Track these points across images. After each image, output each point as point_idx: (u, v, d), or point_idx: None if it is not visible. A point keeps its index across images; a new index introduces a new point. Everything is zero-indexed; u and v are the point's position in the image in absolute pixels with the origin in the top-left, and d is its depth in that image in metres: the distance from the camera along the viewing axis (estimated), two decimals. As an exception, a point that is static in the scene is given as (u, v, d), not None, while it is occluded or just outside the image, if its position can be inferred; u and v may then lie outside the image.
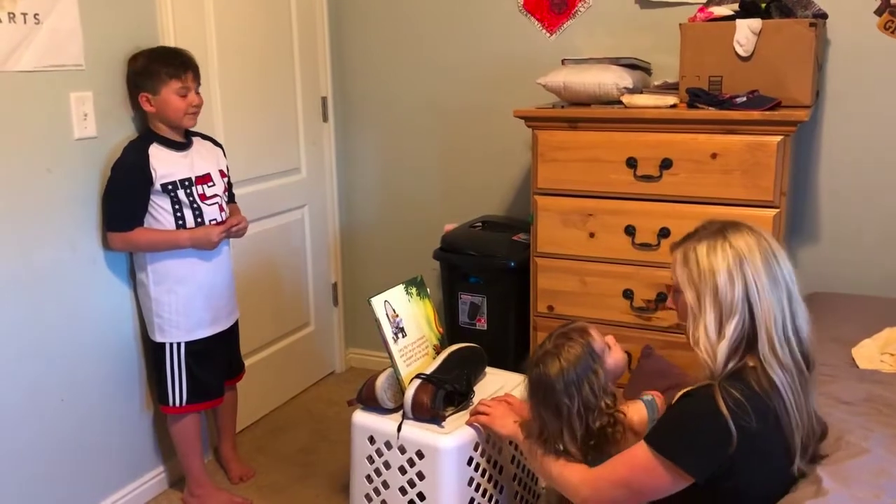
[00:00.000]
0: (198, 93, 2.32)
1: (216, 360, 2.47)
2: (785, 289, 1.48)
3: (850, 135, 2.61)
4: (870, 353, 2.08)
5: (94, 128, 2.26)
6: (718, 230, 1.52)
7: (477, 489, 1.92)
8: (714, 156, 2.29)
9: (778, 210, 2.26)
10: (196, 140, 2.41)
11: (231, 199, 2.54)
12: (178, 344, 2.37)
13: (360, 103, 3.38)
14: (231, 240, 2.50)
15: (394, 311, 2.02)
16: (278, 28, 3.03)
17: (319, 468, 2.78)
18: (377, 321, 1.97)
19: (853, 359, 2.07)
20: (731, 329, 1.46)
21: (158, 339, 2.38)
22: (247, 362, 2.95)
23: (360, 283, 3.54)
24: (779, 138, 2.21)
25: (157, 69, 2.25)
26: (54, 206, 2.18)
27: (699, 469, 1.43)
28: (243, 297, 2.85)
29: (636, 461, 1.49)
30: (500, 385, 2.12)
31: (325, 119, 3.34)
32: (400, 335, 2.01)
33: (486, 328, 2.78)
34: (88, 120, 2.24)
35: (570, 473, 1.61)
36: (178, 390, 2.39)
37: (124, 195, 2.26)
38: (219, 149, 2.50)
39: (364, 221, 3.50)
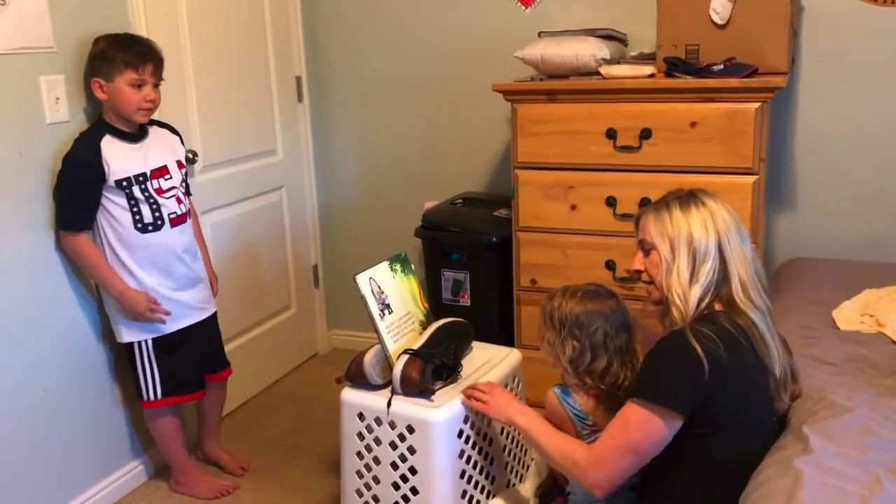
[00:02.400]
0: (156, 88, 2.19)
1: (191, 352, 2.38)
2: (749, 244, 1.61)
3: (826, 101, 2.63)
4: (850, 314, 2.11)
5: (67, 112, 2.21)
6: (687, 194, 1.63)
7: (468, 461, 1.92)
8: (693, 124, 2.30)
9: (757, 177, 2.27)
10: (152, 129, 2.29)
11: (186, 190, 2.38)
12: (146, 341, 2.29)
13: (335, 82, 3.35)
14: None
15: (379, 287, 2.01)
16: (250, 7, 2.99)
17: (307, 449, 2.78)
18: (363, 298, 1.96)
19: (834, 321, 2.09)
20: (703, 273, 1.55)
21: (126, 338, 2.29)
22: (229, 347, 2.92)
23: (341, 263, 3.52)
24: (756, 105, 2.23)
25: (114, 55, 2.13)
26: (27, 191, 2.13)
27: (681, 402, 1.49)
28: (224, 282, 2.83)
29: (628, 421, 1.53)
30: (487, 358, 2.12)
31: (300, 99, 3.30)
32: (386, 311, 2.00)
33: (469, 304, 2.79)
34: (60, 104, 2.19)
35: (574, 454, 1.61)
36: (151, 385, 2.32)
37: (73, 194, 2.15)
38: (176, 137, 2.38)
39: (342, 202, 3.47)
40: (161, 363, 2.31)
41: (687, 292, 1.56)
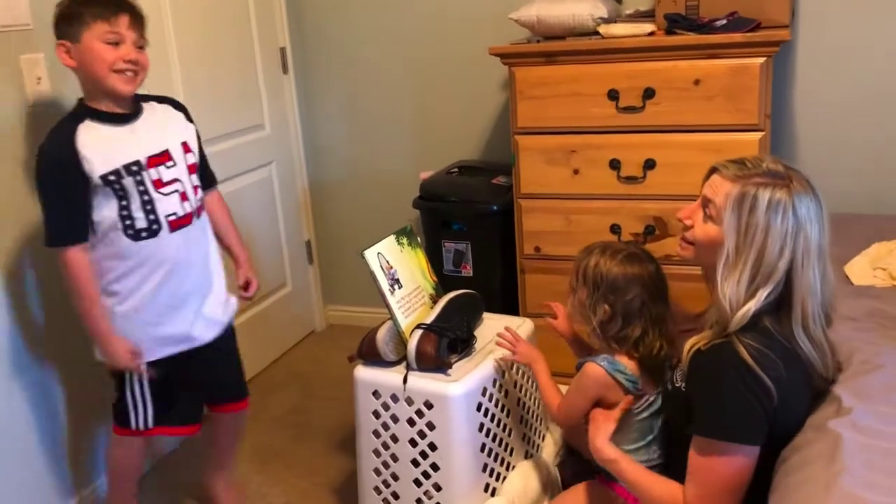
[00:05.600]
0: (139, 48, 1.78)
1: (196, 376, 1.99)
2: (825, 263, 1.45)
3: (826, 54, 2.59)
4: (862, 269, 2.09)
5: (51, 92, 2.11)
6: (783, 184, 1.42)
7: (487, 434, 1.89)
8: (697, 82, 2.25)
9: (763, 133, 2.24)
10: (148, 106, 1.89)
11: (209, 181, 2.03)
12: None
13: (321, 52, 3.25)
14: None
15: (387, 262, 1.96)
16: (231, -24, 2.88)
17: (313, 427, 2.74)
18: (372, 274, 1.91)
19: (846, 276, 2.08)
20: (763, 295, 1.41)
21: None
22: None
23: (334, 238, 3.46)
24: (762, 60, 2.18)
25: (78, 10, 1.75)
26: (13, 178, 2.04)
27: (760, 434, 1.40)
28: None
29: (716, 464, 1.40)
30: (499, 329, 2.07)
31: (286, 71, 3.21)
32: (396, 286, 1.96)
33: (472, 274, 2.74)
34: (43, 84, 2.09)
35: (668, 497, 1.48)
36: (141, 413, 1.92)
37: (50, 201, 1.76)
38: (180, 113, 1.97)
39: (333, 175, 3.40)
40: (156, 390, 1.92)
41: (741, 305, 1.41)
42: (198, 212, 1.92)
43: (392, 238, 2.03)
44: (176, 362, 1.91)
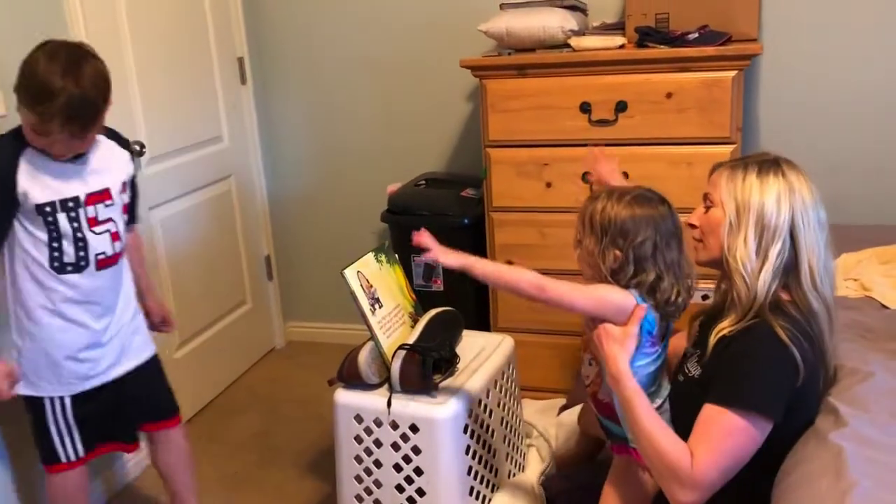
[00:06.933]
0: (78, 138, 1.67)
1: (126, 399, 1.94)
2: (825, 234, 1.47)
3: (788, 66, 2.62)
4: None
5: (3, 104, 1.99)
6: (773, 161, 1.49)
7: (473, 456, 1.84)
8: (669, 95, 2.26)
9: (735, 146, 2.26)
10: (99, 141, 1.81)
11: (132, 219, 1.97)
12: (61, 399, 1.84)
13: (281, 61, 3.17)
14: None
15: (367, 281, 1.90)
16: (187, -15, 2.79)
17: (280, 450, 2.65)
18: (352, 293, 1.84)
19: (820, 287, 2.10)
20: (772, 255, 1.42)
21: (28, 391, 1.82)
22: (185, 349, 2.79)
23: (294, 253, 3.37)
24: (733, 73, 2.20)
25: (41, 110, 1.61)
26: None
27: (781, 410, 1.39)
28: (176, 280, 2.68)
29: (733, 431, 1.37)
30: (480, 346, 2.04)
31: (244, 82, 3.11)
32: (376, 306, 1.89)
33: (442, 289, 2.69)
34: (-6, 96, 1.98)
35: (675, 453, 1.38)
36: (69, 442, 1.87)
37: None
38: (125, 153, 1.90)
39: (294, 188, 3.31)
40: (81, 421, 1.87)
41: (757, 272, 1.42)
42: (124, 252, 1.90)
43: (371, 255, 1.97)
44: (113, 385, 1.90)
